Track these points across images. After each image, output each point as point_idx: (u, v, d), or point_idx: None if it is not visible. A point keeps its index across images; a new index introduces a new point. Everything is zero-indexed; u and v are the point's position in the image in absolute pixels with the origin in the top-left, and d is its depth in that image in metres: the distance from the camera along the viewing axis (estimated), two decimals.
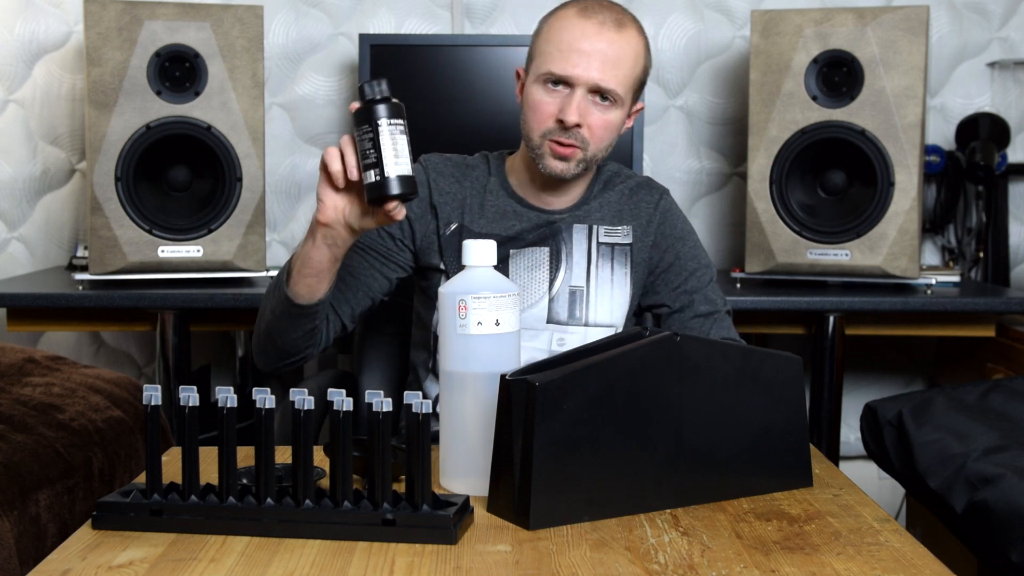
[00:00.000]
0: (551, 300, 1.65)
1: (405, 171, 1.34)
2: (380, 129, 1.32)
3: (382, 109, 1.32)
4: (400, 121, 1.33)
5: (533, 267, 1.65)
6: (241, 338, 2.89)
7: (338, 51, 2.91)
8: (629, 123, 1.66)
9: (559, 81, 1.56)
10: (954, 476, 1.69)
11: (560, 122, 1.55)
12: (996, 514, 1.54)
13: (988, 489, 1.58)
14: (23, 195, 2.91)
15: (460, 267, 1.61)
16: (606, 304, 1.67)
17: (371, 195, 1.35)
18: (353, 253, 1.63)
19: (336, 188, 1.39)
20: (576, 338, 1.64)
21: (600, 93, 1.56)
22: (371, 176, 1.33)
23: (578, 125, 1.55)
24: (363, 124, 1.33)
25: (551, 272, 1.65)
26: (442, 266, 1.66)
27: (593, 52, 1.54)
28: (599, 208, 1.69)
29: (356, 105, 1.34)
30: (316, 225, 1.43)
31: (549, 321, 1.64)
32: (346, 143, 1.37)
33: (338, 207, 1.41)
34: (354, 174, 1.36)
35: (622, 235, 1.68)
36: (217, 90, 2.36)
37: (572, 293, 1.65)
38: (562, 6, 1.61)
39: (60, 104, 2.89)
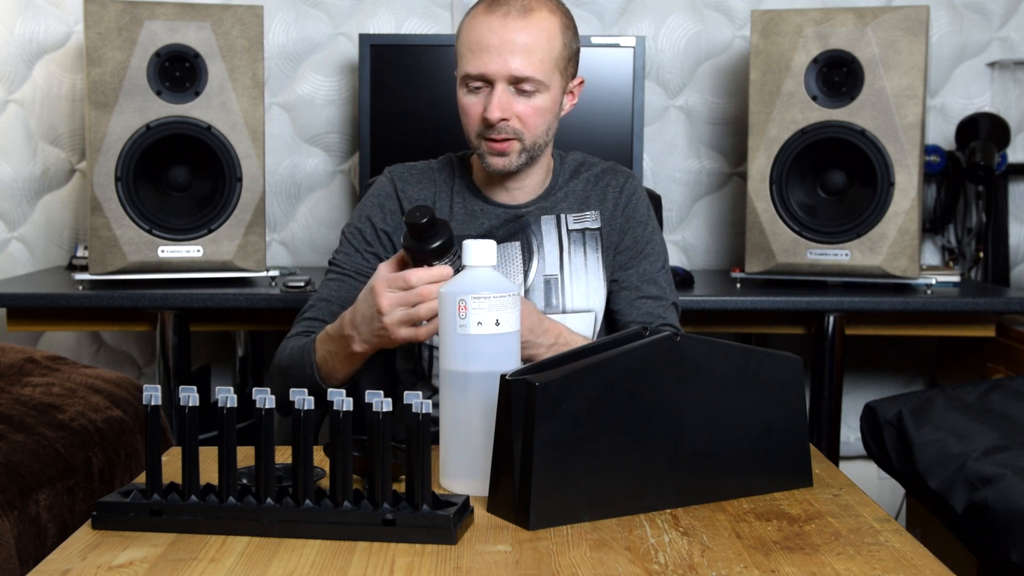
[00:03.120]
0: (527, 292, 1.66)
1: None
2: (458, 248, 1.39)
3: (453, 234, 1.40)
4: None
5: (506, 262, 1.66)
6: (241, 338, 2.89)
7: (338, 51, 2.91)
8: (573, 99, 1.66)
9: (479, 80, 1.57)
10: (954, 476, 1.69)
11: (486, 120, 1.56)
12: (996, 514, 1.54)
13: (988, 489, 1.58)
14: (23, 195, 2.91)
15: None
16: (582, 289, 1.67)
17: None
18: (341, 283, 1.65)
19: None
20: None
21: (521, 82, 1.56)
22: None
23: (504, 119, 1.56)
24: (451, 251, 1.39)
25: (524, 264, 1.67)
26: None
27: (502, 45, 1.55)
28: (565, 197, 1.70)
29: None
30: (374, 348, 1.45)
31: None
32: (436, 274, 1.37)
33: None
34: None
35: (591, 220, 1.70)
36: (217, 90, 2.36)
37: (547, 282, 1.66)
38: (474, 6, 1.61)
39: (60, 104, 2.89)
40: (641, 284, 1.69)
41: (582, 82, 1.67)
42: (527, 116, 1.57)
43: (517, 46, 1.55)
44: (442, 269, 1.36)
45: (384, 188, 1.70)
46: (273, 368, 1.64)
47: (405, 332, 1.37)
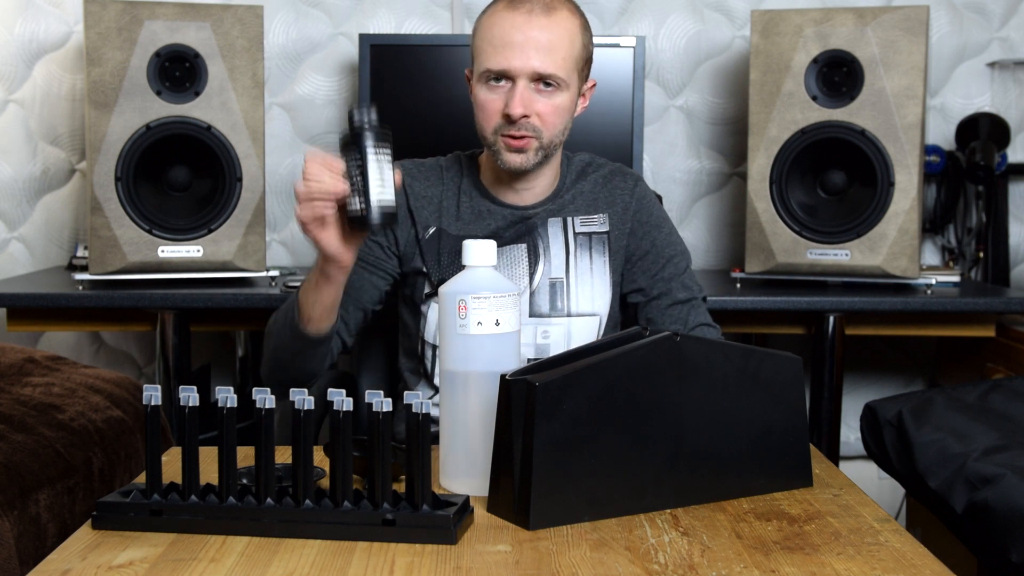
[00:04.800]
0: (532, 294, 1.66)
1: (388, 199, 1.36)
2: (368, 157, 1.33)
3: (369, 137, 1.33)
4: (387, 149, 1.35)
5: (512, 264, 1.66)
6: (241, 338, 2.89)
7: (338, 51, 2.91)
8: (584, 102, 1.67)
9: (500, 76, 1.57)
10: (954, 476, 1.69)
11: (507, 116, 1.57)
12: (996, 514, 1.54)
13: (988, 489, 1.58)
14: (23, 195, 2.91)
15: (441, 269, 1.64)
16: (587, 293, 1.68)
17: (353, 224, 1.37)
18: None
19: (323, 223, 1.40)
20: (560, 329, 1.66)
21: (542, 80, 1.57)
22: (355, 203, 1.35)
23: (526, 116, 1.57)
24: (351, 151, 1.34)
25: (530, 267, 1.67)
26: (424, 269, 1.67)
27: (526, 42, 1.55)
28: (573, 200, 1.70)
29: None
30: (324, 264, 1.46)
31: (531, 315, 1.66)
32: (329, 163, 1.37)
33: (333, 238, 1.42)
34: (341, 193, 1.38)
35: (598, 224, 1.70)
36: (217, 90, 2.36)
37: (552, 285, 1.67)
38: (493, 2, 1.62)
39: (60, 104, 2.89)
40: (671, 289, 1.70)
41: (594, 85, 1.68)
42: (547, 114, 1.58)
43: (541, 43, 1.55)
44: (335, 160, 1.37)
45: None
46: (265, 337, 1.66)
47: (300, 213, 1.40)
